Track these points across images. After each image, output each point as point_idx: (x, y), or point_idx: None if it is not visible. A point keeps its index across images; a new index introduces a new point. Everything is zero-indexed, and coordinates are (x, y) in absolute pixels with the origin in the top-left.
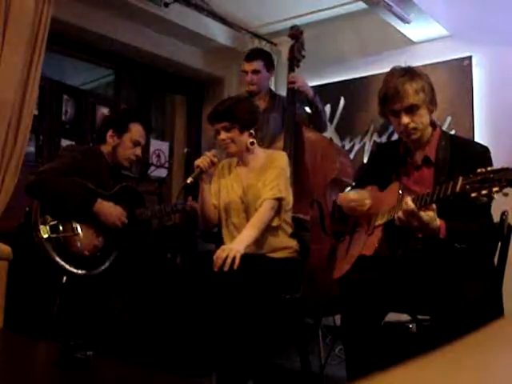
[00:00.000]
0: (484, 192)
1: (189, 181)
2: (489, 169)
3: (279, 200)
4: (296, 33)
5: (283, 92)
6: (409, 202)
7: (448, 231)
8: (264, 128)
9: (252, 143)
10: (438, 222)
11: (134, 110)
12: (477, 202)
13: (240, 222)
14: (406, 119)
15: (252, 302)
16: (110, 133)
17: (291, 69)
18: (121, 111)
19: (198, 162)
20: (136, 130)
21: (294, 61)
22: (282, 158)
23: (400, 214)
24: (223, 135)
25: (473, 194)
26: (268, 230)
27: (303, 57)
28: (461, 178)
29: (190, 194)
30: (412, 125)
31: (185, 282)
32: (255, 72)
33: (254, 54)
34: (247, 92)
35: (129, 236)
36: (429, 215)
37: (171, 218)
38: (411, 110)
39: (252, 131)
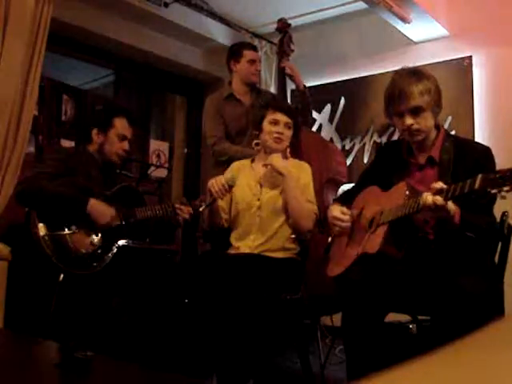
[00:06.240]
0: (506, 188)
1: (201, 209)
2: (509, 168)
3: (316, 215)
4: (283, 26)
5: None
6: (439, 197)
7: (462, 217)
8: (250, 126)
9: (257, 144)
10: (454, 206)
11: (115, 103)
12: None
13: (252, 221)
14: (409, 120)
15: (252, 302)
16: (94, 131)
17: (280, 63)
18: (101, 107)
19: (210, 185)
20: (120, 124)
21: (284, 55)
22: (308, 170)
23: (429, 205)
24: (282, 129)
25: (493, 191)
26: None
27: (292, 51)
28: (480, 175)
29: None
30: (415, 126)
31: (185, 283)
32: (260, 61)
33: (254, 46)
34: (252, 83)
35: (127, 235)
36: (450, 201)
37: (178, 219)
38: (415, 111)
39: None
